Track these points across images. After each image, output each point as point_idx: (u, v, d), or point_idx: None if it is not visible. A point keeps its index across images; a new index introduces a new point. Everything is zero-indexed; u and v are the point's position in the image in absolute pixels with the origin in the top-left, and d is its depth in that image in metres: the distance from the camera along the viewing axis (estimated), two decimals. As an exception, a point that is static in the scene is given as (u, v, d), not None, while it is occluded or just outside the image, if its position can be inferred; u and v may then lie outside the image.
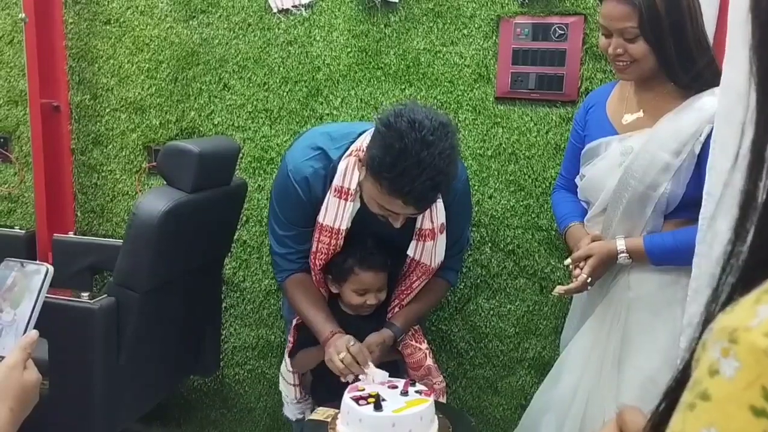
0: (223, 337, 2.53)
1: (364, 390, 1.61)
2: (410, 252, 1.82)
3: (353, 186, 1.72)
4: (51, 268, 1.04)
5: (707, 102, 1.51)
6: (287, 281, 1.88)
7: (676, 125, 1.55)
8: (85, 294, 1.83)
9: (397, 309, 1.90)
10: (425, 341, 1.97)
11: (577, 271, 1.65)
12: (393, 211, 1.64)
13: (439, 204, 1.77)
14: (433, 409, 1.60)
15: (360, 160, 1.67)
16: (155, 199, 1.85)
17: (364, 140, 1.71)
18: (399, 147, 1.52)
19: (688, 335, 1.33)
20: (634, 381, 1.58)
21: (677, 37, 1.50)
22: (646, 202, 1.58)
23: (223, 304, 2.51)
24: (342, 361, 1.68)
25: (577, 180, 1.76)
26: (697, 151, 1.52)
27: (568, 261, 1.71)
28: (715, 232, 1.21)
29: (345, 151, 1.74)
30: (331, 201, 1.75)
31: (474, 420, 2.22)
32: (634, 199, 1.58)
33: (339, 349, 1.70)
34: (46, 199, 2.51)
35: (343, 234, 1.77)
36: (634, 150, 1.59)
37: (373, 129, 1.70)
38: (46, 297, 1.82)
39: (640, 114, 1.64)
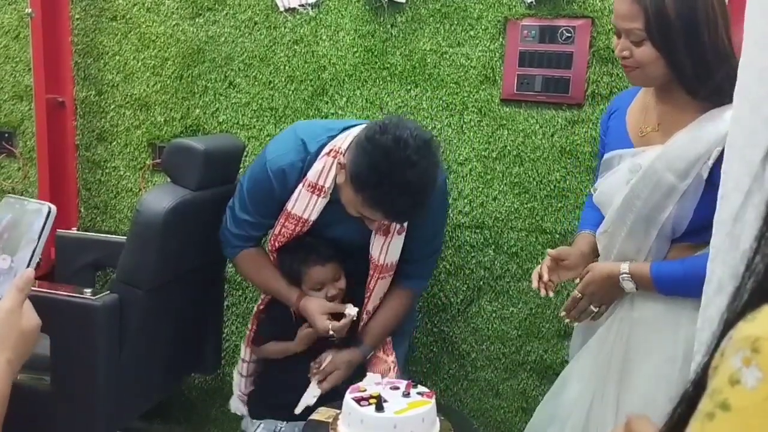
0: (224, 335, 2.52)
1: (365, 391, 1.61)
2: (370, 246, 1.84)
3: (328, 184, 1.75)
4: (54, 208, 0.91)
5: (722, 121, 1.37)
6: (240, 255, 1.94)
7: (686, 144, 1.42)
8: (88, 290, 1.83)
9: (364, 316, 1.91)
10: (393, 354, 1.96)
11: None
12: (371, 219, 1.69)
13: None
14: (435, 411, 1.60)
15: (340, 164, 1.69)
16: (159, 197, 1.85)
17: (345, 140, 1.73)
18: (384, 166, 1.56)
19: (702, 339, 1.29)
20: (635, 402, 1.50)
21: (690, 45, 1.36)
22: (651, 225, 1.47)
23: (225, 303, 2.50)
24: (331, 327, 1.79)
25: (592, 191, 1.66)
26: (705, 175, 1.39)
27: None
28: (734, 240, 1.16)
29: (324, 145, 1.76)
30: (302, 193, 1.77)
31: (476, 423, 2.21)
32: (639, 220, 1.48)
33: (321, 309, 1.82)
34: (50, 194, 2.50)
35: (310, 224, 1.81)
36: (642, 168, 1.46)
37: (355, 129, 1.73)
38: (49, 293, 1.83)
39: (656, 127, 1.52)
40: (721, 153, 1.33)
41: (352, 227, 1.79)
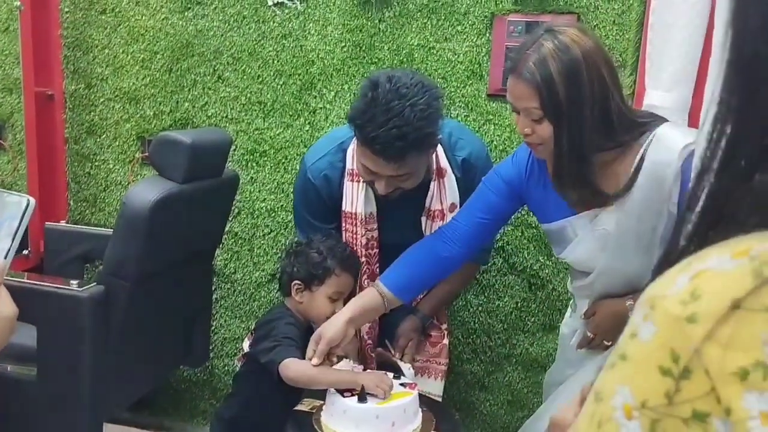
0: (213, 328, 2.54)
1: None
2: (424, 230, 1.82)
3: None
4: (33, 200, 0.93)
5: (656, 159, 1.38)
6: None
7: (641, 194, 1.41)
8: (74, 282, 1.83)
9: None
10: (447, 320, 2.00)
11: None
12: (368, 167, 1.63)
13: (450, 183, 1.78)
14: (417, 402, 1.61)
15: None
16: (146, 189, 1.85)
17: None
18: (371, 95, 1.56)
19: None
20: None
21: (576, 119, 1.35)
22: (646, 263, 1.43)
23: (214, 296, 2.51)
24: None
25: (560, 257, 1.63)
26: (674, 210, 1.39)
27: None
28: None
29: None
30: (346, 186, 1.77)
31: (458, 414, 2.23)
32: (633, 264, 1.47)
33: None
34: (39, 187, 2.51)
35: (362, 219, 1.77)
36: (610, 231, 1.47)
37: None
38: (35, 284, 1.84)
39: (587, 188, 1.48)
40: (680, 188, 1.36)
41: (406, 219, 1.78)
